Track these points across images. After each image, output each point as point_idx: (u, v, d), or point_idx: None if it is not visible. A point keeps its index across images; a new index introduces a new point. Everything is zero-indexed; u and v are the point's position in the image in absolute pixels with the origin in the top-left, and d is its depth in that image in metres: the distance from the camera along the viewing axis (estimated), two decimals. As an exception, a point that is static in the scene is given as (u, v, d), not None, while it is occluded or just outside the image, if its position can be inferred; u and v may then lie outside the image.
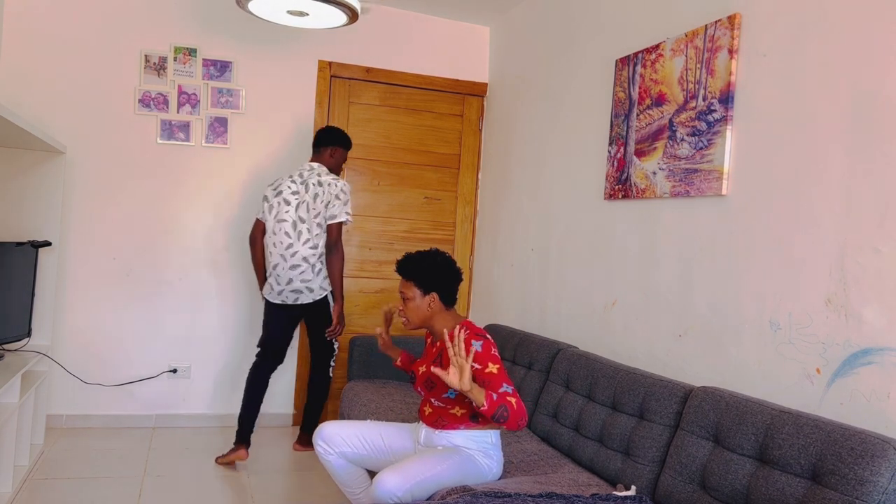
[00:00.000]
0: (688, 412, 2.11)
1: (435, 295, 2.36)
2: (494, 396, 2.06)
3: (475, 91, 4.56)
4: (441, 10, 4.35)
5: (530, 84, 3.94)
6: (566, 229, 3.42)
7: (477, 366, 2.22)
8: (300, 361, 4.26)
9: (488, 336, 2.30)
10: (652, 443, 2.21)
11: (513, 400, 2.09)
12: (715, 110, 2.42)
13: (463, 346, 2.02)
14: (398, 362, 2.66)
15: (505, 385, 2.17)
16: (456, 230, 4.59)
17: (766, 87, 2.25)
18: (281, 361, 3.67)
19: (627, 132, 2.92)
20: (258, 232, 3.66)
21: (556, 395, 2.76)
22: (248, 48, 4.11)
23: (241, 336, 4.16)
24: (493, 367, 2.20)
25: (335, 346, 3.72)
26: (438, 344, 2.41)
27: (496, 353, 2.25)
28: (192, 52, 3.99)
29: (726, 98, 2.37)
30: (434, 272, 2.35)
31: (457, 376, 2.00)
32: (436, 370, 2.01)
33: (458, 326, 2.09)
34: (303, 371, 4.26)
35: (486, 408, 2.03)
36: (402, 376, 3.71)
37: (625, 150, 2.93)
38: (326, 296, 3.63)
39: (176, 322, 4.04)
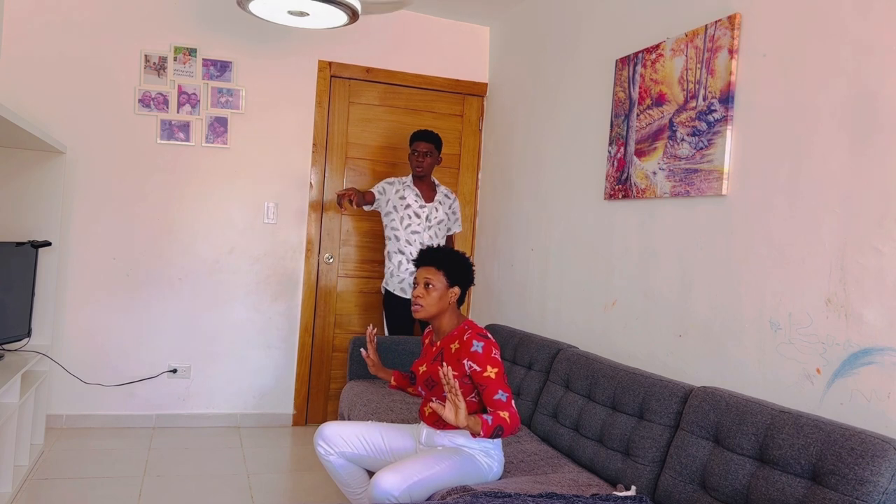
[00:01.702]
0: (688, 412, 2.11)
1: (457, 289, 2.39)
2: (489, 420, 2.07)
3: (475, 91, 4.56)
4: (441, 10, 4.35)
5: (530, 84, 3.94)
6: (566, 229, 3.42)
7: (476, 367, 2.22)
8: (300, 361, 4.26)
9: (490, 336, 2.30)
10: (652, 443, 2.21)
11: (506, 414, 2.11)
12: (715, 110, 2.42)
13: (457, 384, 2.03)
14: (393, 383, 2.64)
15: (500, 392, 2.18)
16: (456, 230, 4.59)
17: (766, 87, 2.25)
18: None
19: (627, 132, 2.92)
20: None
21: (556, 395, 2.76)
22: (248, 48, 4.11)
23: (240, 335, 4.16)
24: (491, 371, 2.21)
25: None
26: (438, 343, 2.41)
27: (497, 356, 2.25)
28: (192, 52, 3.99)
29: (726, 98, 2.37)
30: (461, 268, 2.40)
31: (453, 412, 2.02)
32: (432, 405, 2.03)
33: (445, 365, 2.10)
34: (303, 371, 4.26)
35: (482, 435, 2.05)
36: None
37: (625, 150, 2.93)
38: (381, 289, 4.03)
39: (176, 322, 4.04)
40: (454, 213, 4.01)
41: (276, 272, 4.21)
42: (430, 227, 3.87)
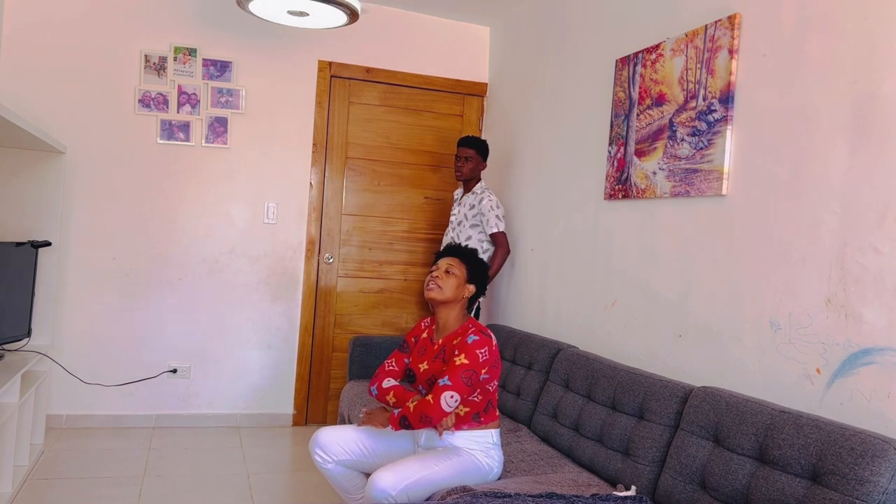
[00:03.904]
0: (688, 412, 2.11)
1: (472, 288, 2.44)
2: (396, 413, 2.26)
3: (475, 91, 4.55)
4: (441, 10, 4.35)
5: (530, 84, 3.94)
6: (566, 229, 3.42)
7: (457, 352, 2.28)
8: (300, 362, 4.26)
9: (491, 337, 2.30)
10: (652, 443, 2.21)
11: (412, 403, 2.24)
12: (715, 110, 2.42)
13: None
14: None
15: (447, 378, 2.20)
16: (456, 230, 4.58)
17: (766, 87, 2.25)
18: None
19: (627, 132, 2.92)
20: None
21: (556, 395, 2.76)
22: (248, 48, 4.11)
23: (240, 335, 4.15)
24: (461, 359, 2.23)
25: None
26: (441, 341, 2.41)
27: (482, 354, 2.24)
28: (192, 52, 3.99)
29: (726, 98, 2.37)
30: (481, 271, 2.47)
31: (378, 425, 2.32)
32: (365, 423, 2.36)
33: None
34: (303, 371, 4.26)
35: (394, 427, 2.26)
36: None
37: (625, 150, 2.93)
38: None
39: (176, 322, 4.04)
40: (482, 213, 3.75)
41: (276, 272, 4.21)
42: (453, 229, 3.95)
